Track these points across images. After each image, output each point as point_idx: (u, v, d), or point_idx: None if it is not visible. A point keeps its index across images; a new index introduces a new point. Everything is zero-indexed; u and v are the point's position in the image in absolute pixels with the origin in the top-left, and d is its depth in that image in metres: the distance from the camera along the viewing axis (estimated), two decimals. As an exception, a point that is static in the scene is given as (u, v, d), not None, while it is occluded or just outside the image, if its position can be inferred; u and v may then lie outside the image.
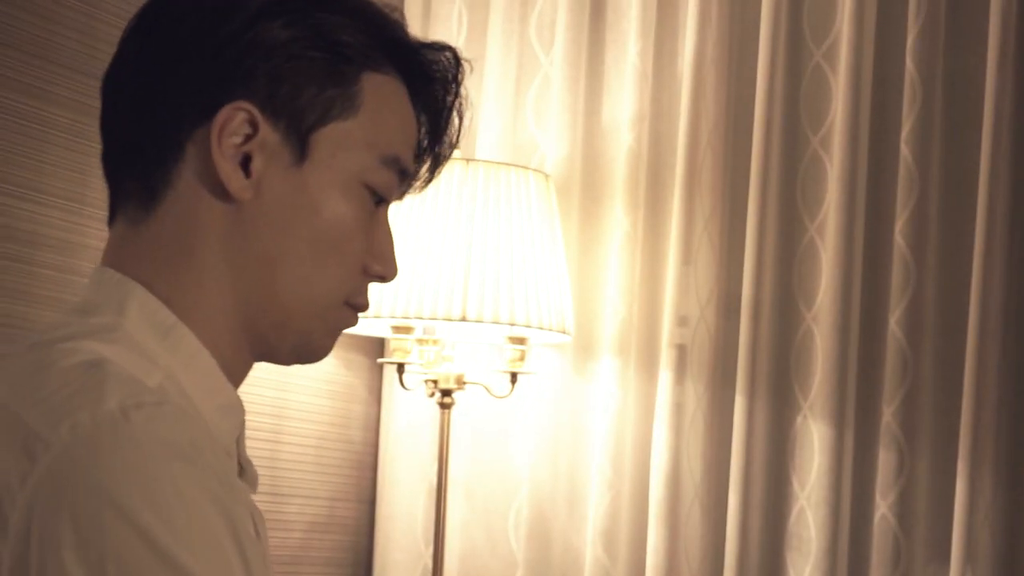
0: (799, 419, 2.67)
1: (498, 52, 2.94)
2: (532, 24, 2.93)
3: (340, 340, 1.22)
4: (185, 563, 0.95)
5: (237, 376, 1.18)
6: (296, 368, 1.21)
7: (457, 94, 1.22)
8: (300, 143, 1.14)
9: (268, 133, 1.13)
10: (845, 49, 2.68)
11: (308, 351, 1.19)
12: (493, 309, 2.58)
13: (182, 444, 0.99)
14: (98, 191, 2.30)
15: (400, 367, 2.71)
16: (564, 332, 2.68)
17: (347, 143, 1.16)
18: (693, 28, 2.76)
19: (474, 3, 2.98)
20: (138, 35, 1.17)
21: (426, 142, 1.23)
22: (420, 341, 2.70)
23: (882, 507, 2.59)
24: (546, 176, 2.74)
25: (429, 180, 1.25)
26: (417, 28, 2.83)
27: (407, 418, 2.91)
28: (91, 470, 0.96)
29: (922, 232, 2.62)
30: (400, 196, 1.23)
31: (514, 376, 2.71)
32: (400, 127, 1.20)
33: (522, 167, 2.70)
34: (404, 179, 1.21)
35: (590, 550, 2.74)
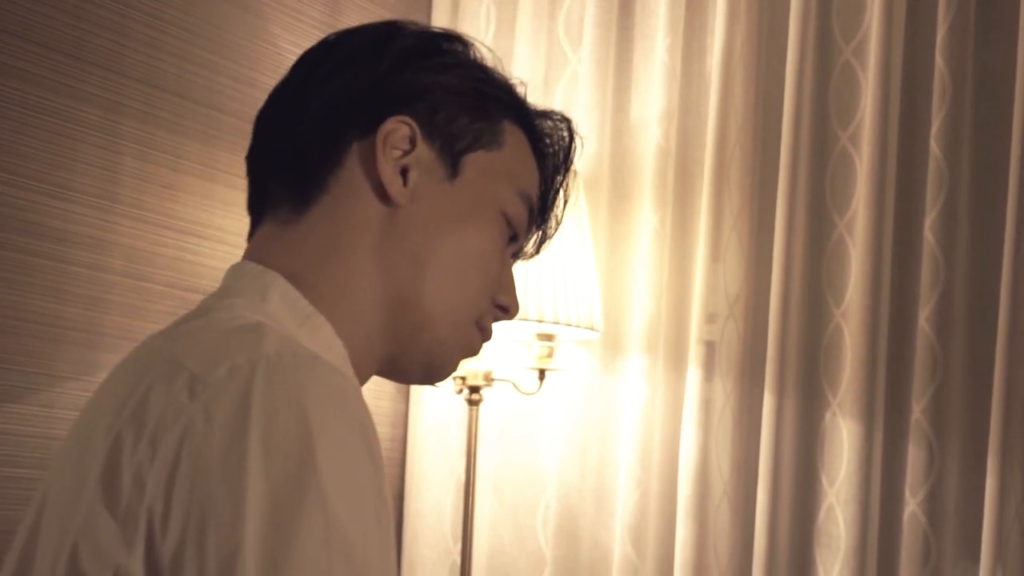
0: (828, 416, 2.66)
1: (526, 49, 2.94)
2: (560, 21, 2.93)
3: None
4: (333, 503, 0.97)
5: (361, 377, 1.22)
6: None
7: (566, 174, 1.33)
8: (453, 162, 1.24)
9: (424, 151, 1.23)
10: (874, 45, 2.67)
11: (436, 365, 1.25)
12: (521, 306, 2.57)
13: (334, 391, 1.02)
14: (129, 188, 2.31)
15: (429, 364, 2.71)
16: (592, 329, 2.68)
17: (492, 172, 1.26)
18: (722, 24, 2.75)
19: (502, 0, 2.98)
20: (313, 62, 1.26)
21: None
22: (449, 338, 2.70)
23: (912, 504, 2.58)
24: (575, 173, 2.73)
25: (534, 255, 1.34)
26: (445, 24, 2.82)
27: (435, 415, 2.92)
28: (242, 406, 0.99)
29: (952, 229, 2.61)
30: (517, 253, 1.32)
31: (542, 373, 2.71)
32: (531, 171, 1.30)
33: (550, 164, 2.70)
34: (531, 219, 1.30)
35: (618, 546, 2.74)
